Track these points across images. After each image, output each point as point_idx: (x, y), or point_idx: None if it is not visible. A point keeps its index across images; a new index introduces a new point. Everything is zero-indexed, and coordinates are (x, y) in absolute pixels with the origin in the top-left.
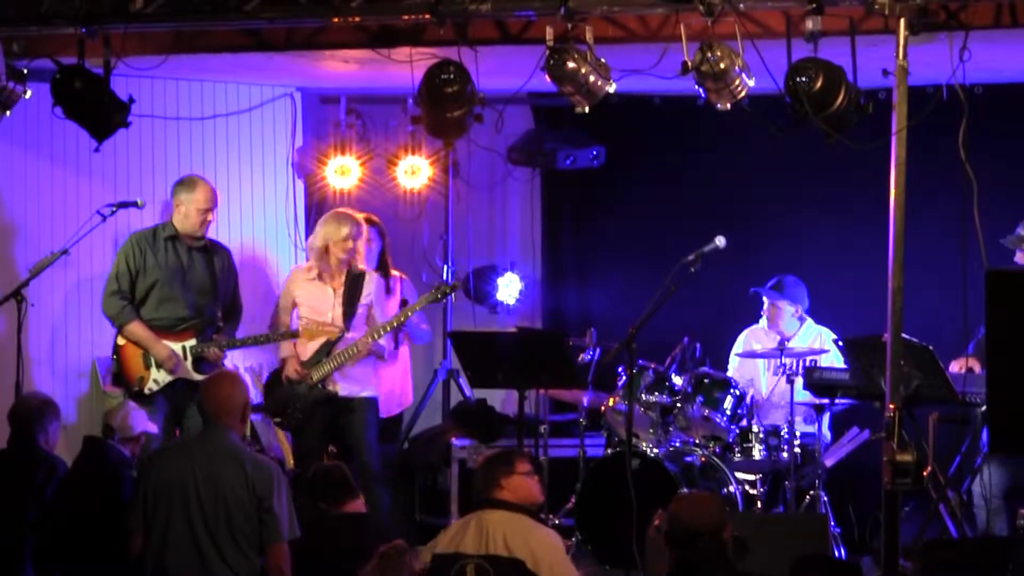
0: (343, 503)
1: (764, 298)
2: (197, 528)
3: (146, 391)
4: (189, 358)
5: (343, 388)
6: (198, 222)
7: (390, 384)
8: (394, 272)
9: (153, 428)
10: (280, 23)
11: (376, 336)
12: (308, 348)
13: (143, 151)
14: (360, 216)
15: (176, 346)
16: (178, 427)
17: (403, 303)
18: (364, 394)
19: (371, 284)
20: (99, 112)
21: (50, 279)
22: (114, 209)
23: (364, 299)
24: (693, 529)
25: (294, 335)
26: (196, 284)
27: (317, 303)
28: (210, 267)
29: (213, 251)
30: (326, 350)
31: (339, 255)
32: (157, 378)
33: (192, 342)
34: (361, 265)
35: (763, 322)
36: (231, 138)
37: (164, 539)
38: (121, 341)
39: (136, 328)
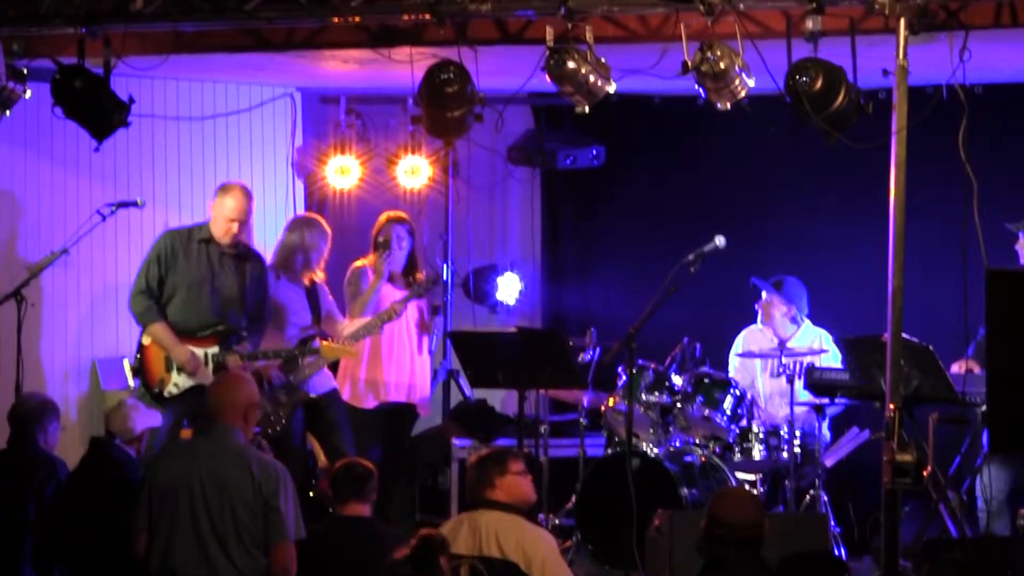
0: (347, 502)
1: (763, 292)
2: (203, 528)
3: (165, 394)
4: (210, 365)
5: (311, 387)
6: (223, 229)
7: (423, 378)
8: (419, 275)
9: (156, 422)
10: (280, 23)
11: (372, 331)
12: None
13: (143, 151)
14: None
15: (198, 352)
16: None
17: (434, 309)
18: (329, 387)
19: (325, 288)
20: (99, 112)
21: (50, 279)
22: (114, 209)
23: (323, 303)
24: (735, 528)
25: (315, 351)
26: (224, 291)
27: (297, 306)
28: (240, 275)
29: (246, 258)
30: (302, 351)
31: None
32: (177, 382)
33: (215, 349)
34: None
35: (758, 319)
36: (231, 138)
37: (169, 539)
38: (146, 340)
39: (159, 329)
